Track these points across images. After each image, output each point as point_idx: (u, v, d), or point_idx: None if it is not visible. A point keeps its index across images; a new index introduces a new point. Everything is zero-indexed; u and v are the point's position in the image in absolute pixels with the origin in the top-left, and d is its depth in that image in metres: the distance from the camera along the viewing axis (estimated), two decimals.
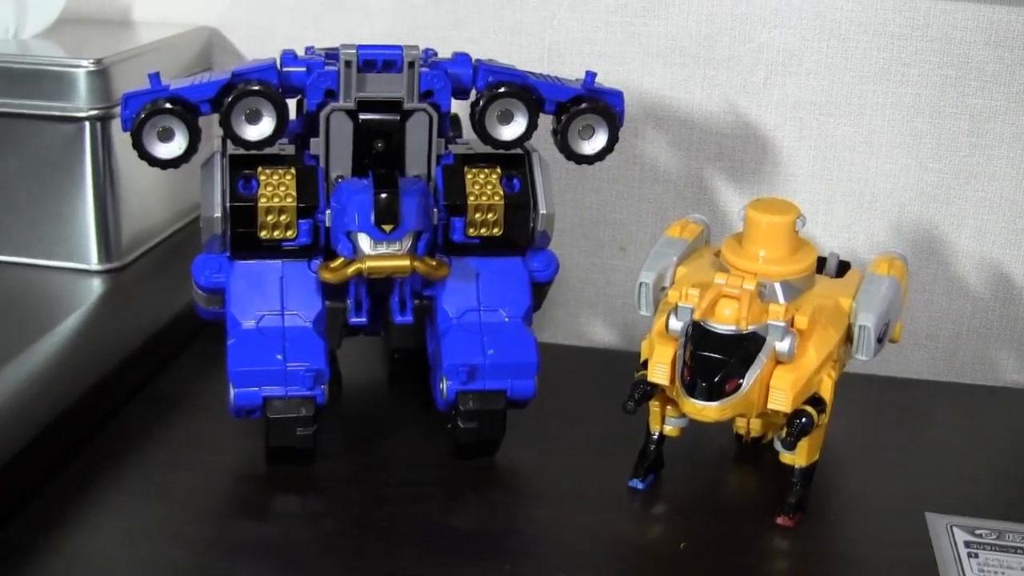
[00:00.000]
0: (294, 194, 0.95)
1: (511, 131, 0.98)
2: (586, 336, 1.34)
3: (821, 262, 1.00)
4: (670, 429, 0.98)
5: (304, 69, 0.96)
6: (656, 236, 1.01)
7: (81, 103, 1.10)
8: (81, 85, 1.09)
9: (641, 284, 0.97)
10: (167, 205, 1.21)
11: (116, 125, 1.08)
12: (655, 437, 0.98)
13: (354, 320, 0.98)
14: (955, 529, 0.94)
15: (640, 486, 0.98)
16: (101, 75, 1.10)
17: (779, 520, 0.94)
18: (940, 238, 1.25)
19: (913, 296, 1.24)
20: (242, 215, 0.95)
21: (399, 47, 0.95)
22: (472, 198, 0.98)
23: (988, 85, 1.21)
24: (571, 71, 1.01)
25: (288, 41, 0.99)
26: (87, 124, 1.10)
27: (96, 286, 1.12)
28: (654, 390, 0.93)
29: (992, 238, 1.24)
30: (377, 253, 0.92)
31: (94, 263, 1.13)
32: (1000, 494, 1.01)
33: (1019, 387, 1.26)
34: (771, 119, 1.25)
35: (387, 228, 0.91)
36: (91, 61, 1.10)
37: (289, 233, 0.96)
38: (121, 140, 1.09)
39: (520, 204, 0.99)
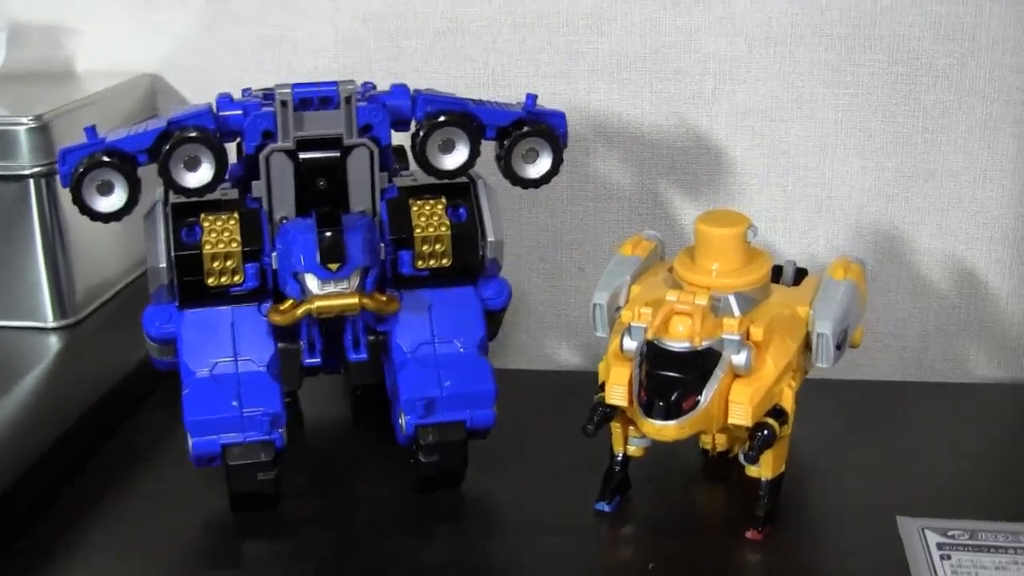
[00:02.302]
0: (239, 239, 0.95)
1: (453, 160, 0.98)
2: (551, 359, 1.33)
3: (778, 271, 0.99)
4: (634, 449, 0.97)
5: (240, 112, 0.95)
6: (613, 255, 1.00)
7: (24, 161, 1.09)
8: (23, 142, 1.09)
9: (595, 305, 0.96)
10: (119, 257, 1.20)
11: None
12: (619, 459, 0.97)
13: (308, 361, 0.98)
14: (927, 532, 0.93)
15: (607, 508, 0.97)
16: (42, 131, 1.09)
17: (748, 534, 0.93)
18: (901, 238, 1.24)
19: (877, 297, 1.23)
20: (188, 263, 0.94)
21: (334, 83, 0.94)
22: (418, 230, 0.97)
23: (940, 80, 1.20)
24: (516, 94, 1.01)
25: (231, 82, 0.98)
26: (31, 181, 1.09)
27: (53, 343, 1.11)
28: (613, 412, 0.92)
29: (953, 235, 1.24)
30: (325, 292, 0.92)
31: (49, 320, 1.12)
32: (973, 493, 1.00)
33: (988, 382, 1.26)
34: (722, 129, 1.24)
35: (333, 267, 0.91)
36: (30, 118, 1.09)
37: (236, 278, 0.95)
38: (67, 195, 1.08)
39: (467, 233, 0.98)
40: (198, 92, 1.28)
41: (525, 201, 1.27)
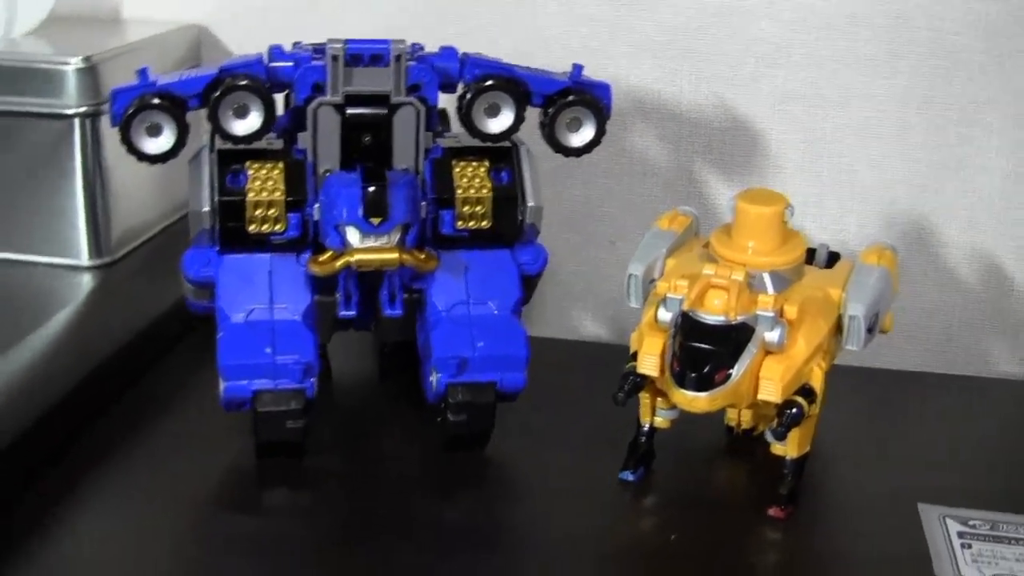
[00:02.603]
0: (283, 188, 0.95)
1: (498, 124, 0.98)
2: (576, 330, 1.34)
3: (811, 253, 1.00)
4: (660, 421, 0.98)
5: (292, 63, 0.96)
6: (645, 230, 1.01)
7: (70, 100, 1.10)
8: (70, 82, 1.10)
9: (630, 276, 0.97)
10: (157, 201, 1.21)
11: (105, 122, 1.08)
12: (645, 429, 0.98)
13: (344, 313, 0.98)
14: (948, 520, 0.94)
15: (631, 478, 0.98)
16: (90, 72, 1.10)
17: (770, 512, 0.94)
18: (930, 230, 1.25)
19: (904, 288, 1.23)
20: (231, 209, 0.95)
21: (387, 41, 0.95)
22: (460, 191, 0.98)
23: (977, 76, 1.21)
24: (558, 65, 1.01)
25: (275, 38, 0.99)
26: (76, 121, 1.10)
27: (86, 282, 1.12)
28: (644, 382, 0.93)
29: (983, 229, 1.25)
30: (366, 246, 0.92)
31: (84, 259, 1.13)
32: (993, 485, 1.00)
33: (1010, 378, 1.26)
34: (760, 112, 1.25)
35: (376, 221, 0.92)
36: (80, 58, 1.10)
37: (278, 227, 0.96)
38: (110, 136, 1.09)
39: (508, 196, 0.99)
40: (243, 46, 1.28)
41: (560, 172, 1.27)
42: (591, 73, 1.00)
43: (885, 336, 1.00)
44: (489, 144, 0.99)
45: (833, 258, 1.01)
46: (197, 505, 0.95)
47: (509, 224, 1.00)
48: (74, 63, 1.10)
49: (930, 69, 1.21)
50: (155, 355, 1.15)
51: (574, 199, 1.30)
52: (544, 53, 1.25)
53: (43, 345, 1.02)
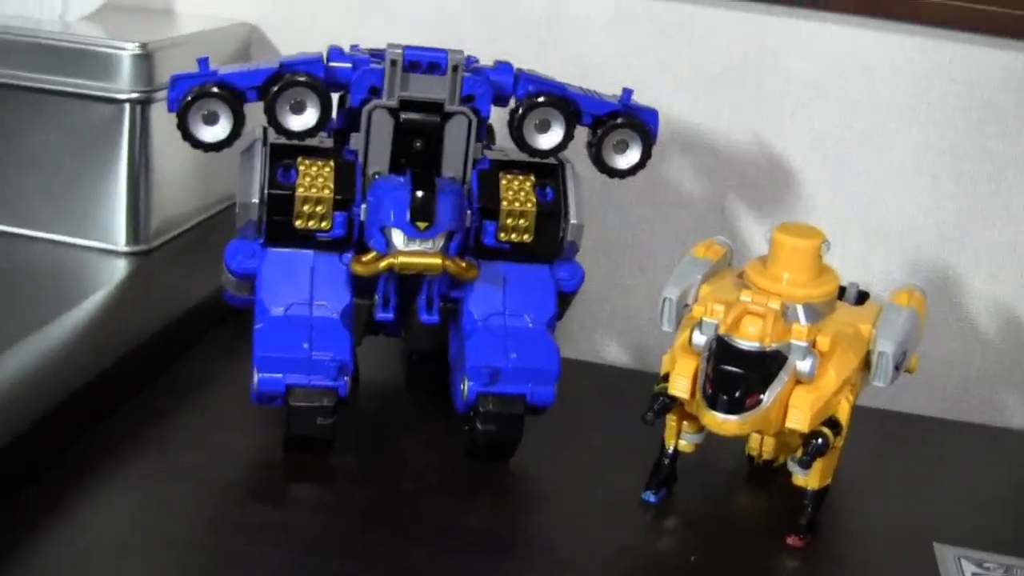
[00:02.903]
0: (332, 186, 0.96)
1: (548, 140, 1.00)
2: (600, 354, 1.35)
3: (841, 291, 1.01)
4: (685, 445, 0.99)
5: (350, 65, 0.97)
6: (675, 260, 1.02)
7: (124, 85, 1.11)
8: (125, 67, 1.11)
9: (665, 299, 0.98)
10: (198, 194, 1.23)
11: (156, 109, 1.10)
12: (670, 452, 0.99)
13: (381, 316, 0.99)
14: (963, 560, 0.95)
15: (653, 499, 0.99)
16: (145, 59, 1.12)
17: (789, 540, 0.95)
18: (954, 279, 1.26)
19: (924, 335, 1.24)
20: (279, 203, 0.96)
21: (445, 51, 0.96)
22: (505, 203, 0.99)
23: (1009, 130, 1.22)
24: (604, 91, 1.02)
25: (326, 43, 1.00)
26: (127, 106, 1.12)
27: (122, 267, 1.13)
28: (673, 403, 0.94)
29: (1006, 282, 1.26)
30: (410, 250, 0.93)
31: (122, 244, 1.15)
32: (1008, 530, 1.02)
33: None
34: (794, 151, 1.27)
35: (422, 226, 0.93)
36: (136, 44, 1.12)
37: (324, 224, 0.97)
38: (159, 125, 1.10)
39: (552, 212, 1.00)
40: (293, 48, 1.28)
41: (596, 195, 1.28)
42: (636, 101, 1.01)
43: (902, 381, 1.01)
44: (537, 160, 1.01)
45: (862, 297, 1.02)
46: (221, 491, 0.95)
47: (550, 240, 1.01)
48: (130, 48, 1.11)
49: (964, 121, 1.23)
50: (185, 345, 1.15)
51: (607, 224, 1.31)
52: (587, 77, 1.26)
53: (76, 327, 1.03)
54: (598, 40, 1.27)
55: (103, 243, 1.15)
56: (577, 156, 1.02)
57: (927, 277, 1.26)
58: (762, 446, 1.02)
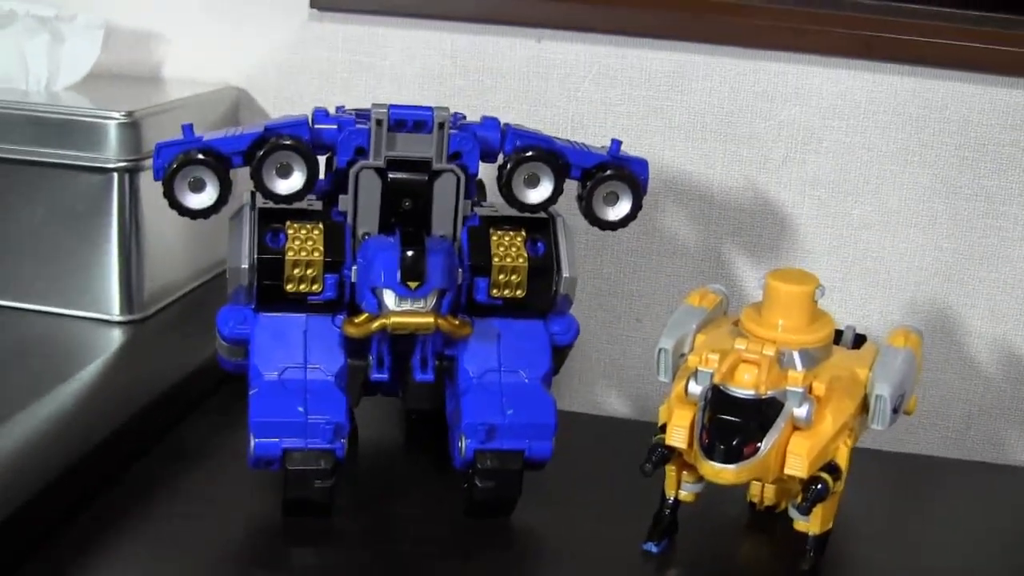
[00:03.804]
0: (321, 249, 0.96)
1: (537, 195, 0.99)
2: (600, 405, 1.35)
3: (838, 335, 1.00)
4: (685, 495, 0.98)
5: (335, 126, 0.97)
6: (672, 309, 1.02)
7: (111, 154, 1.11)
8: (111, 136, 1.11)
9: (660, 350, 0.98)
10: (190, 260, 1.23)
11: (144, 177, 1.10)
12: (670, 502, 0.98)
13: (376, 376, 0.99)
14: None
15: (654, 550, 0.98)
16: (132, 127, 1.12)
17: None
18: (953, 318, 1.26)
19: (926, 375, 1.24)
20: (269, 268, 0.96)
21: (430, 108, 0.96)
22: (496, 259, 0.99)
23: (1005, 168, 1.22)
24: (593, 142, 1.02)
25: (315, 104, 1.00)
26: (115, 175, 1.12)
27: (117, 336, 1.13)
28: (671, 454, 0.93)
29: (1005, 319, 1.26)
30: (402, 310, 0.93)
31: (116, 314, 1.15)
32: (1011, 569, 1.01)
33: None
34: (789, 196, 1.27)
35: (412, 285, 0.92)
36: (122, 113, 1.12)
37: (315, 287, 0.96)
38: (148, 192, 1.10)
39: (543, 267, 1.00)
40: (281, 110, 1.31)
41: (590, 248, 1.29)
42: (626, 151, 1.01)
43: (905, 421, 1.01)
44: (527, 214, 1.00)
45: (860, 340, 1.01)
46: (222, 559, 0.95)
47: (543, 294, 1.00)
48: (116, 117, 1.12)
49: (959, 160, 1.23)
50: (183, 412, 1.15)
51: (602, 276, 1.31)
52: (579, 130, 1.26)
53: (72, 398, 1.03)
54: (587, 91, 1.27)
55: (97, 313, 1.15)
56: (569, 208, 1.02)
57: (926, 317, 1.26)
58: (763, 493, 1.01)
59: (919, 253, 1.26)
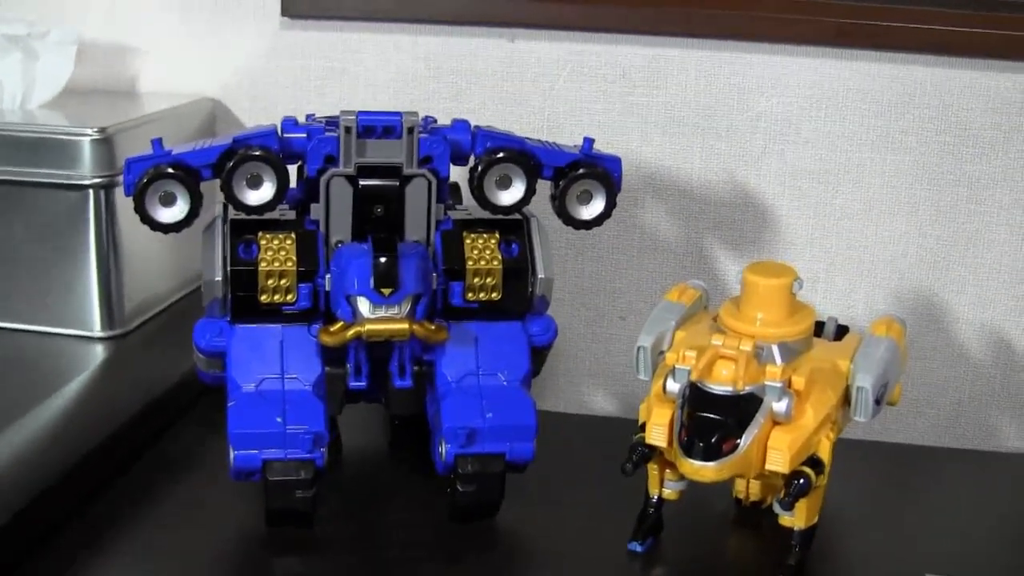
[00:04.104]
0: (294, 258, 0.96)
1: (510, 196, 0.99)
2: (586, 404, 1.35)
3: (820, 326, 1.00)
4: (669, 492, 0.98)
5: (304, 135, 0.97)
6: (655, 305, 1.01)
7: (85, 171, 1.11)
8: (85, 153, 1.11)
9: (639, 348, 0.97)
10: (170, 274, 1.23)
11: (120, 193, 1.09)
12: (654, 500, 0.98)
13: (354, 384, 0.99)
14: None
15: (639, 549, 0.98)
16: (105, 143, 1.12)
17: None
18: (940, 305, 1.25)
19: (914, 363, 1.24)
20: (243, 279, 0.96)
21: (398, 113, 0.96)
22: (471, 263, 0.99)
23: (986, 152, 1.22)
24: (570, 141, 1.02)
25: (290, 112, 1.00)
26: (91, 192, 1.11)
27: (99, 352, 1.13)
28: (652, 452, 0.93)
29: (992, 305, 1.25)
30: (376, 316, 0.93)
31: (97, 330, 1.14)
32: (1002, 557, 1.00)
33: (1018, 452, 1.26)
34: (769, 188, 1.26)
35: (386, 292, 0.92)
36: (95, 129, 1.11)
37: (289, 297, 0.96)
38: (125, 207, 1.10)
39: (518, 269, 0.99)
40: (257, 119, 1.30)
41: (571, 247, 1.28)
42: (604, 149, 1.01)
43: (894, 411, 1.00)
44: (500, 216, 1.00)
45: (842, 331, 1.01)
46: (207, 570, 0.95)
47: (519, 296, 1.00)
48: (90, 134, 1.11)
49: (939, 145, 1.22)
50: (165, 425, 1.15)
51: (585, 274, 1.31)
52: (555, 129, 1.26)
53: (54, 414, 1.03)
54: (562, 89, 1.27)
55: (78, 330, 1.14)
56: (544, 209, 1.01)
57: (912, 306, 1.26)
58: (748, 489, 1.01)
59: (903, 241, 1.25)
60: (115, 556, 0.96)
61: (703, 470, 0.88)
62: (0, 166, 1.12)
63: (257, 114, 1.32)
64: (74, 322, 1.14)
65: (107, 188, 1.12)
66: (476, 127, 1.00)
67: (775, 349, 0.93)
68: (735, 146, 1.26)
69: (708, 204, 1.27)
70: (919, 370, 1.26)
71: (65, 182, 1.11)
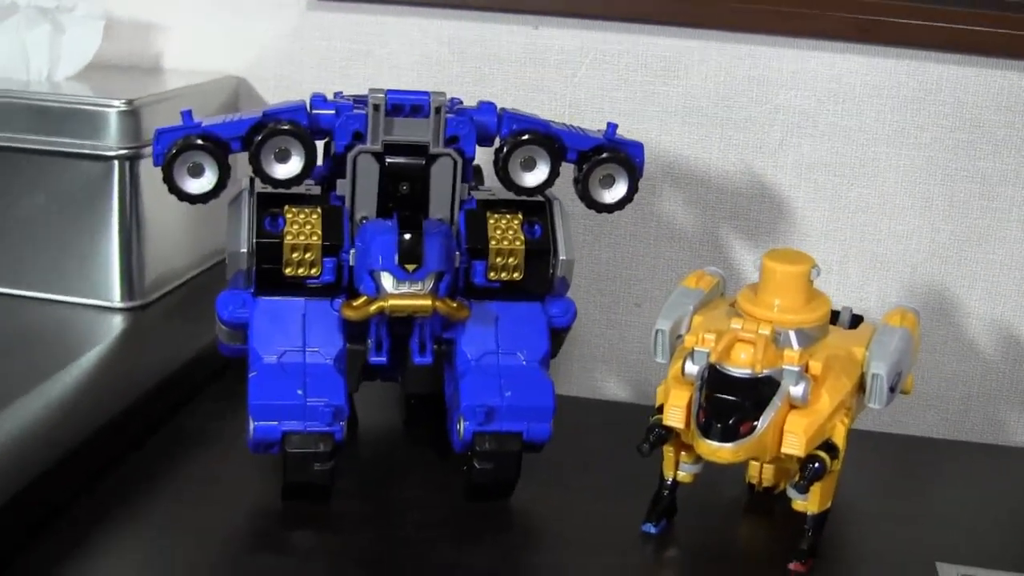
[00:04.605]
0: (319, 233, 0.97)
1: (534, 178, 1.00)
2: (599, 390, 1.36)
3: (834, 315, 1.01)
4: (683, 475, 0.99)
5: (333, 112, 0.98)
6: (670, 293, 1.02)
7: (111, 142, 1.12)
8: (112, 124, 1.12)
9: (657, 331, 0.98)
10: (191, 248, 1.23)
11: (144, 165, 1.11)
12: (669, 483, 0.99)
13: (374, 359, 0.99)
14: None
15: (653, 530, 0.98)
16: (132, 115, 1.12)
17: (791, 566, 0.94)
18: (951, 299, 1.26)
19: (924, 357, 1.25)
20: (268, 252, 0.96)
21: (427, 93, 0.97)
22: (494, 242, 0.99)
23: (999, 149, 1.23)
24: (591, 127, 1.03)
25: (312, 92, 1.01)
26: (116, 163, 1.12)
27: (118, 323, 1.14)
28: (669, 434, 0.94)
29: (1003, 300, 1.26)
30: (400, 292, 0.93)
31: (117, 300, 1.15)
32: (1011, 547, 1.01)
33: None
34: (786, 180, 1.27)
35: (410, 268, 0.93)
36: (122, 101, 1.12)
37: (313, 271, 0.97)
38: (149, 180, 1.11)
39: (540, 250, 1.00)
40: (281, 99, 1.29)
41: (589, 233, 1.29)
42: (621, 135, 1.02)
43: (905, 404, 1.01)
44: (524, 198, 1.01)
45: (856, 320, 1.02)
46: (223, 541, 0.95)
47: (540, 277, 1.01)
48: (116, 105, 1.12)
49: (954, 142, 1.23)
50: (184, 398, 1.16)
51: (601, 261, 1.32)
52: (576, 116, 1.27)
53: (72, 384, 1.03)
54: (584, 77, 1.28)
55: (98, 300, 1.15)
56: (567, 192, 1.02)
57: (924, 299, 1.26)
58: (762, 473, 1.02)
59: (916, 235, 1.26)
60: (131, 529, 0.96)
61: (720, 451, 0.89)
62: (26, 135, 1.13)
63: (281, 93, 1.33)
64: (94, 292, 1.15)
65: (132, 160, 1.12)
66: (502, 109, 1.01)
67: (792, 335, 0.94)
68: (753, 137, 1.27)
69: (725, 194, 1.28)
70: (929, 364, 1.27)
71: (91, 152, 1.12)
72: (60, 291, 1.15)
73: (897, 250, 1.27)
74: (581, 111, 1.28)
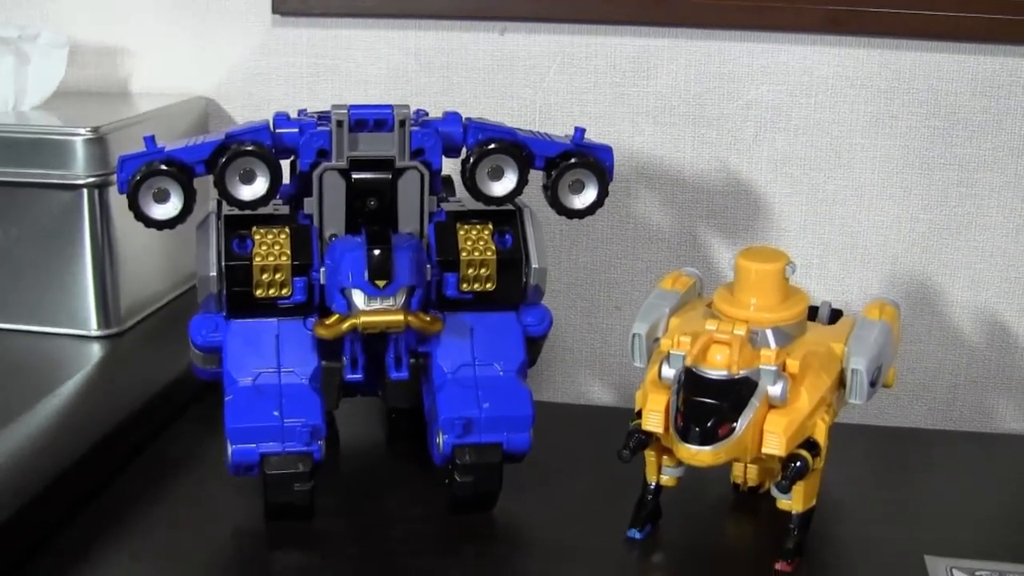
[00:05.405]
0: (288, 253, 0.96)
1: (502, 187, 0.99)
2: (583, 395, 1.35)
3: (813, 311, 1.00)
4: (667, 479, 0.98)
5: (296, 130, 0.97)
6: (649, 293, 1.02)
7: (79, 170, 1.11)
8: (79, 153, 1.11)
9: (634, 335, 0.97)
10: (165, 272, 1.23)
11: (114, 192, 1.09)
12: (652, 487, 0.98)
13: (350, 377, 0.99)
14: (955, 571, 0.93)
15: (638, 536, 0.98)
16: (99, 143, 1.12)
17: (777, 566, 0.93)
18: (934, 289, 1.26)
19: (909, 347, 1.25)
20: (237, 274, 0.96)
21: (390, 106, 0.96)
22: (464, 254, 0.99)
23: (976, 135, 1.22)
24: (561, 132, 1.02)
25: (283, 109, 1.00)
26: (85, 191, 1.12)
27: (95, 351, 1.13)
28: (649, 439, 0.93)
29: (986, 287, 1.25)
30: (371, 308, 0.93)
31: (93, 329, 1.15)
32: (1000, 538, 1.00)
33: (1015, 434, 1.27)
34: (761, 175, 1.26)
35: (380, 284, 0.92)
36: (88, 129, 1.12)
37: (284, 291, 0.97)
38: (119, 207, 1.10)
39: (512, 259, 1.00)
40: (249, 117, 1.30)
41: (565, 238, 1.29)
42: (595, 139, 1.01)
43: (891, 395, 1.01)
44: (493, 207, 1.00)
45: (836, 315, 1.01)
46: (208, 566, 0.95)
47: (513, 286, 1.00)
48: (83, 133, 1.11)
49: (929, 129, 1.23)
50: (163, 423, 1.15)
51: (579, 265, 1.31)
52: (546, 121, 1.26)
53: (52, 414, 1.03)
54: (553, 81, 1.27)
55: (74, 329, 1.15)
56: (538, 200, 1.02)
57: (906, 290, 1.26)
58: (746, 474, 1.01)
59: (895, 225, 1.25)
60: (114, 555, 0.96)
61: (700, 455, 0.88)
62: None
63: (250, 112, 1.32)
64: (70, 321, 1.15)
65: (101, 187, 1.12)
66: (467, 119, 1.00)
67: (769, 333, 0.93)
68: (726, 134, 1.26)
69: (701, 193, 1.27)
70: (914, 354, 1.27)
71: (59, 182, 1.11)
72: (36, 322, 1.15)
73: (877, 241, 1.26)
74: (551, 116, 1.27)
